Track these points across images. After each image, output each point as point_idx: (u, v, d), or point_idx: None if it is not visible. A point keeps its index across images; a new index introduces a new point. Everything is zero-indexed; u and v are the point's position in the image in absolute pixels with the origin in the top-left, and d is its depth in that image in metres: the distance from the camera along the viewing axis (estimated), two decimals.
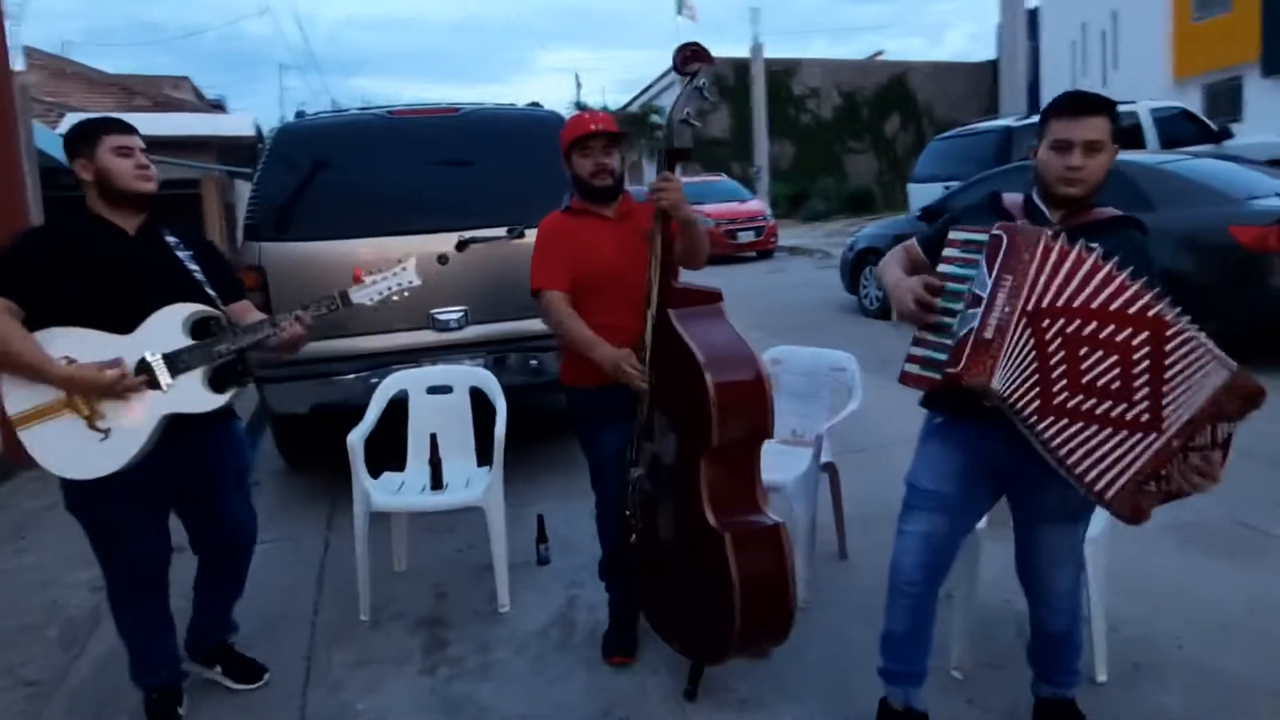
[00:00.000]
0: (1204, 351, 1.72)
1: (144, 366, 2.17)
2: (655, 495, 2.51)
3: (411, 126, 4.35)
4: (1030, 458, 1.94)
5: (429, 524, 3.80)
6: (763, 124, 22.64)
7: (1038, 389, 1.78)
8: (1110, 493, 1.76)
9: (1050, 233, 1.82)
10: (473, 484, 3.23)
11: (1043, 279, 1.78)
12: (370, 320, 4.05)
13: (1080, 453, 1.77)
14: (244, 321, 2.35)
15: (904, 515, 2.15)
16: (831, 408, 3.41)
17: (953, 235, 1.94)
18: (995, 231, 1.85)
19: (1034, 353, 1.78)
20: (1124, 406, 1.74)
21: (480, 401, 3.46)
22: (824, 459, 3.32)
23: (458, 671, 2.75)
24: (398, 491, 3.24)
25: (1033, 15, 23.86)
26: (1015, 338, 1.78)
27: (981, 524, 2.47)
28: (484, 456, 3.31)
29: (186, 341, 2.21)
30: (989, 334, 1.79)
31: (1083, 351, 1.76)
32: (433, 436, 3.28)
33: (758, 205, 16.19)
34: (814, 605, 3.04)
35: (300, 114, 4.52)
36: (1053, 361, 1.77)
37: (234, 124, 10.96)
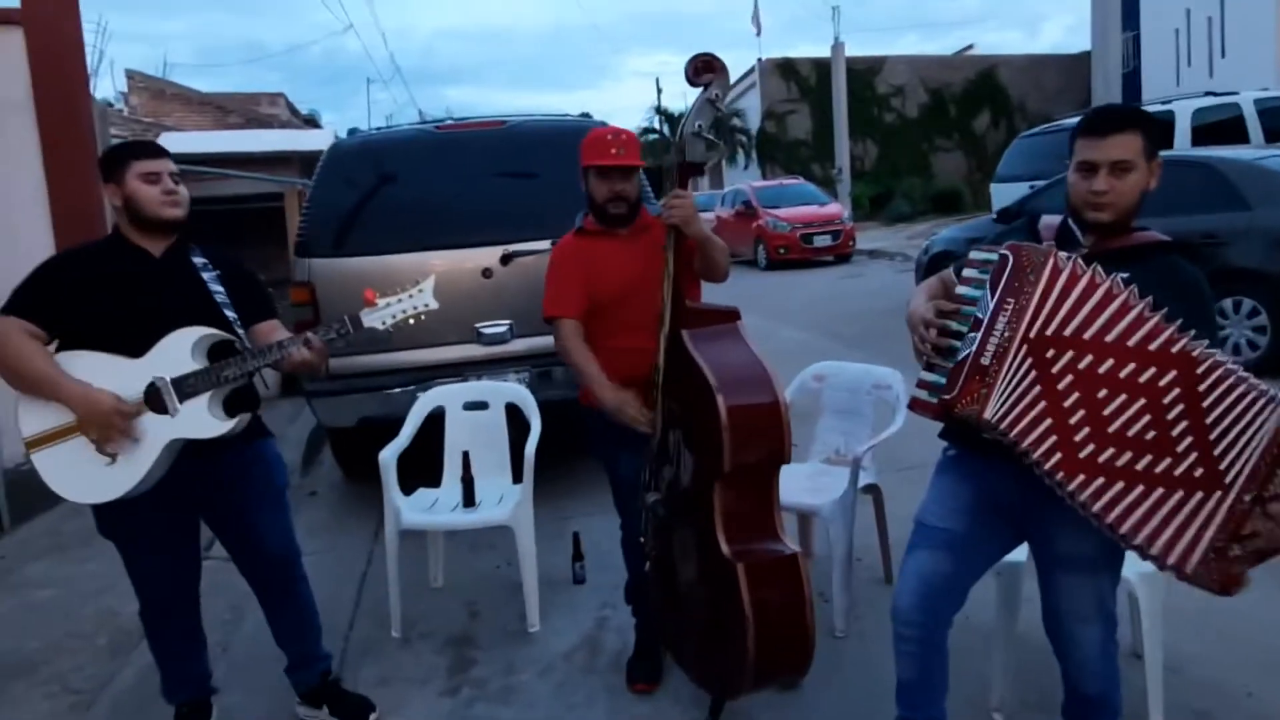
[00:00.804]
0: (1248, 389, 1.52)
1: (153, 390, 2.18)
2: (671, 521, 2.43)
3: (458, 141, 4.38)
4: (1046, 497, 1.79)
5: (469, 540, 3.81)
6: (843, 124, 22.17)
7: (1055, 437, 1.60)
8: (1189, 566, 1.56)
9: (1063, 254, 1.67)
10: (505, 501, 3.21)
11: (1049, 304, 1.63)
12: (416, 334, 4.09)
13: (1133, 519, 1.57)
14: (261, 344, 2.36)
15: (907, 553, 2.02)
16: (875, 426, 3.26)
17: (971, 255, 1.80)
18: (1003, 251, 1.71)
19: (1037, 386, 1.62)
20: (1169, 461, 1.55)
21: (520, 417, 3.43)
22: (867, 480, 3.17)
23: (480, 694, 2.73)
24: (430, 509, 3.25)
25: (1133, 2, 22.67)
26: (1013, 365, 1.63)
27: (1022, 557, 2.31)
28: (520, 473, 3.29)
29: (196, 365, 2.21)
30: (985, 360, 1.65)
31: (1102, 394, 1.59)
32: (465, 454, 3.27)
33: (835, 209, 15.84)
34: (852, 633, 2.91)
35: (353, 131, 4.61)
36: (1067, 403, 1.60)
37: (315, 139, 11.37)
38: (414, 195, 4.19)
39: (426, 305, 2.33)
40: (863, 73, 26.34)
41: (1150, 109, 9.68)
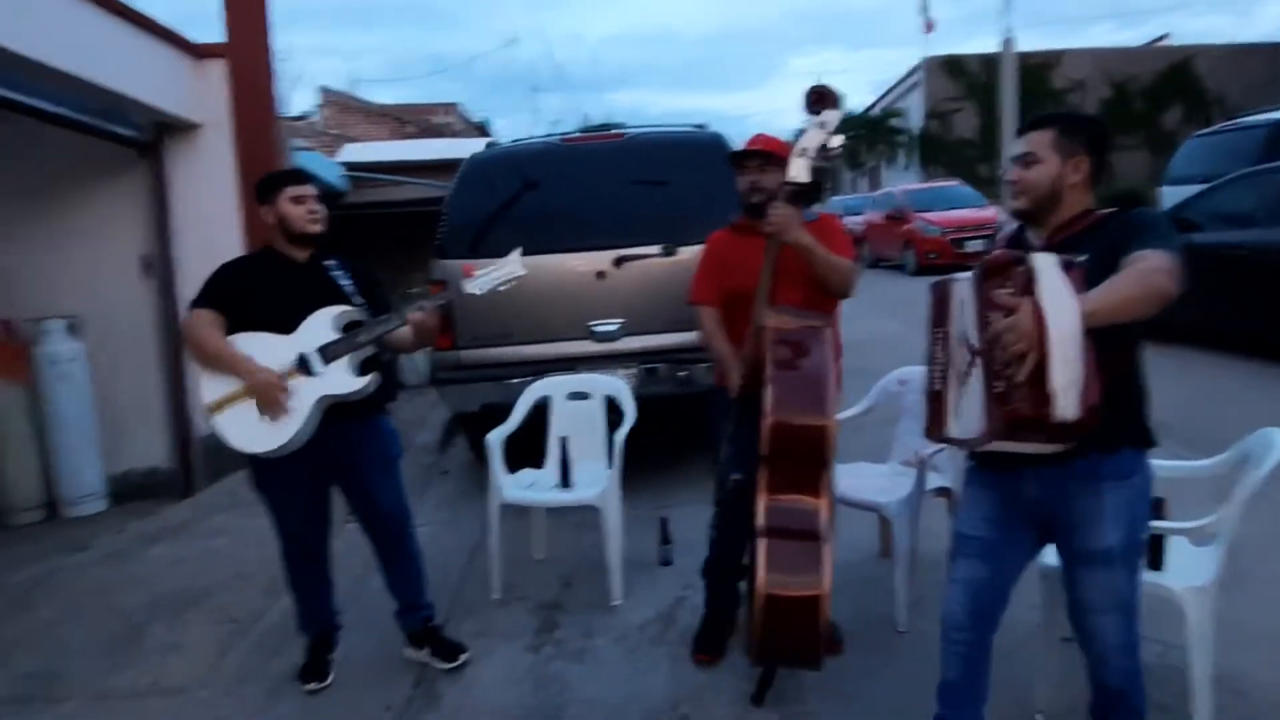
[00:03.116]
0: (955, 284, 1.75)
1: (302, 359, 2.66)
2: (744, 495, 2.63)
3: (581, 152, 4.75)
4: (1064, 497, 1.89)
5: (574, 520, 4.14)
6: (1011, 122, 21.08)
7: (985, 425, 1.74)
8: (982, 426, 1.70)
9: (964, 275, 1.82)
10: (596, 484, 3.51)
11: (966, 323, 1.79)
12: (535, 330, 4.51)
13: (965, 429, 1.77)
14: None
15: (951, 563, 2.15)
16: None
17: None
18: (930, 289, 1.88)
19: (972, 392, 1.76)
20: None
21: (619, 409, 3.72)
22: (940, 483, 3.24)
23: (559, 652, 3.05)
24: (530, 487, 3.61)
25: None
26: (959, 385, 1.77)
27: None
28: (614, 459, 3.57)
29: (335, 336, 2.68)
30: (937, 386, 1.82)
31: (958, 358, 1.78)
32: (562, 439, 3.61)
33: (990, 212, 15.18)
34: (913, 630, 3.00)
35: (491, 144, 5.08)
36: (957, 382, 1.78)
37: (478, 147, 12.20)
38: (538, 202, 4.58)
39: (515, 273, 2.77)
40: (1037, 68, 24.91)
41: None
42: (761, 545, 2.33)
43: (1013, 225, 2.07)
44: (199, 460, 5.37)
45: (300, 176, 2.84)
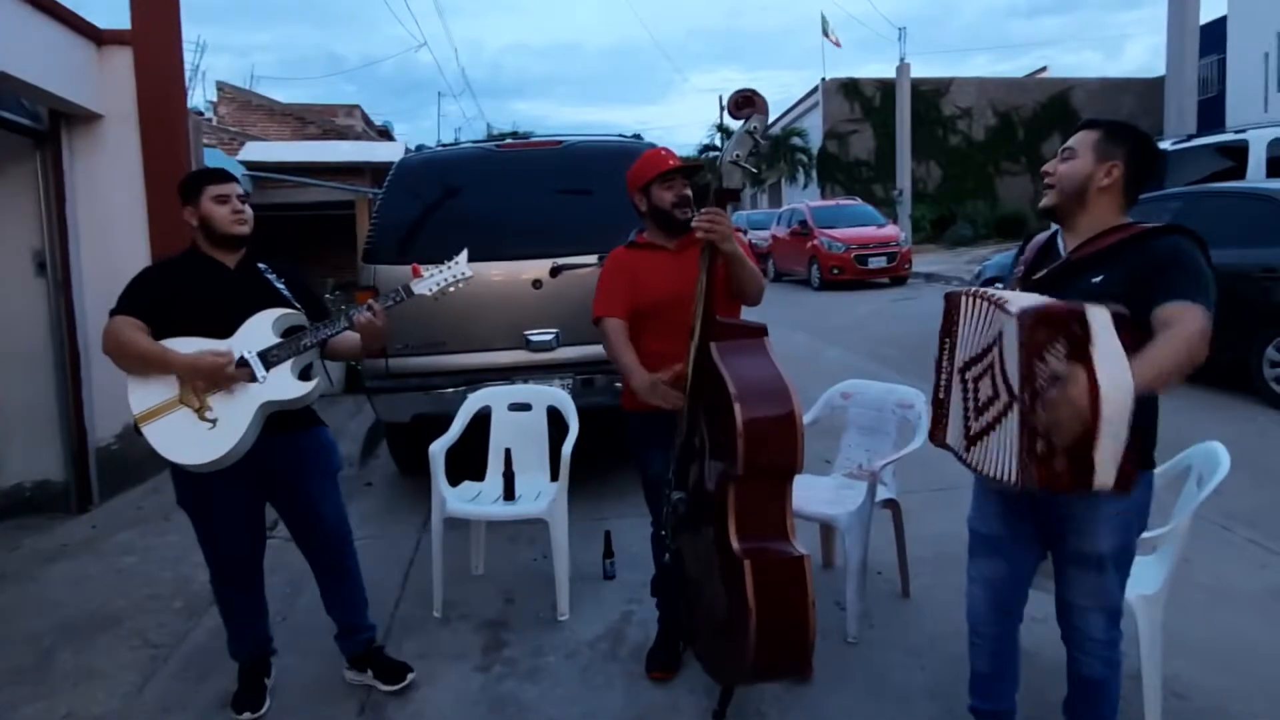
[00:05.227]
0: (994, 310, 1.67)
1: (242, 363, 2.49)
2: (692, 518, 2.62)
3: (516, 158, 4.67)
4: (1057, 502, 1.96)
5: (510, 533, 4.05)
6: (906, 145, 22.10)
7: (972, 437, 1.83)
8: (1015, 476, 1.70)
9: (973, 290, 1.88)
10: (542, 497, 3.44)
11: (967, 335, 1.86)
12: (469, 339, 4.40)
13: (988, 462, 1.79)
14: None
15: (969, 561, 2.23)
16: (898, 444, 3.40)
17: None
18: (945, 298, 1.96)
19: (967, 403, 1.83)
20: (998, 405, 1.75)
21: (561, 420, 3.66)
22: (886, 495, 3.32)
23: (509, 671, 2.96)
24: (473, 500, 3.50)
25: (1218, 25, 22.09)
26: (956, 394, 1.85)
27: None
28: (559, 472, 3.50)
29: (276, 340, 2.53)
30: (941, 394, 1.89)
31: (984, 385, 1.80)
32: (507, 450, 3.52)
33: (892, 230, 15.83)
34: (864, 641, 3.05)
35: (420, 147, 4.93)
36: (978, 406, 1.82)
37: (386, 151, 11.89)
38: (472, 208, 4.47)
39: (464, 274, 2.71)
40: (928, 94, 26.15)
41: (1223, 138, 9.50)
42: (746, 567, 2.30)
43: (1043, 235, 2.12)
44: (96, 472, 4.99)
45: (224, 175, 2.67)
